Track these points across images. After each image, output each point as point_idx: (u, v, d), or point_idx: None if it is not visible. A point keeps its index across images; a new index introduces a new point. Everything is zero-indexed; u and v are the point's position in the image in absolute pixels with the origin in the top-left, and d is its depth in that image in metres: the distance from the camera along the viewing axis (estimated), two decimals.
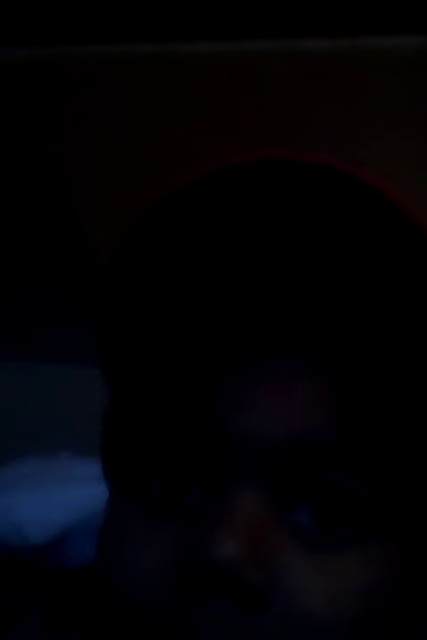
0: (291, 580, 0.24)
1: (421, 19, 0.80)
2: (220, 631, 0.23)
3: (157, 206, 0.25)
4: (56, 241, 1.06)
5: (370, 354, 0.26)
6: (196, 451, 0.26)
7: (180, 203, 0.25)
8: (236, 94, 0.90)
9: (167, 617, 0.24)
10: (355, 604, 0.24)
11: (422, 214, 0.24)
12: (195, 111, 1.08)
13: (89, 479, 0.57)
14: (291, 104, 0.86)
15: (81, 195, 1.11)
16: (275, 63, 0.83)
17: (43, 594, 0.37)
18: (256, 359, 0.26)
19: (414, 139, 0.94)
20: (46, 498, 0.64)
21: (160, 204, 0.25)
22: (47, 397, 0.98)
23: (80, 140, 1.13)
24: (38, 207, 1.07)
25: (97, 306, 0.28)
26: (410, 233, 0.23)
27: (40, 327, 1.01)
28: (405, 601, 0.27)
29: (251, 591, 0.23)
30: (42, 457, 0.73)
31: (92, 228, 1.20)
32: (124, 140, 1.06)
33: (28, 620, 0.33)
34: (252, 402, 0.25)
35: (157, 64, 0.93)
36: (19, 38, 0.97)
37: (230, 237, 0.25)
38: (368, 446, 0.25)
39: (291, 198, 0.24)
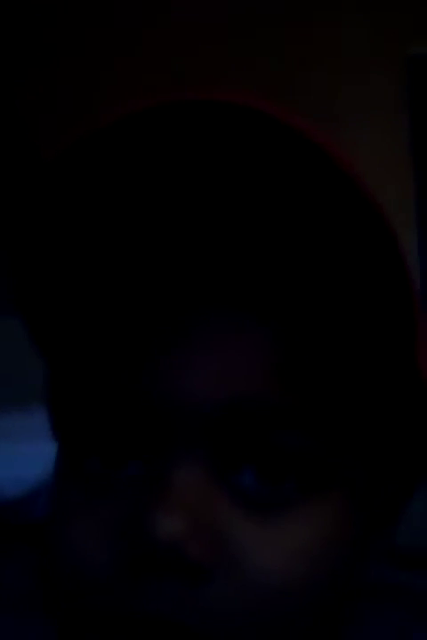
0: (237, 547, 0.23)
1: None
2: (166, 606, 0.23)
3: (78, 155, 0.22)
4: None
5: (305, 308, 0.25)
6: (132, 421, 0.24)
7: (105, 145, 0.22)
8: None
9: (112, 593, 0.23)
10: (304, 563, 0.24)
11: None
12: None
13: None
14: None
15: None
16: None
17: (22, 545, 0.38)
18: (188, 323, 0.25)
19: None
20: (20, 453, 0.64)
21: (81, 151, 0.22)
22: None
23: None
24: None
25: (18, 269, 0.26)
26: (340, 179, 0.21)
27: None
28: (354, 559, 0.26)
29: (195, 565, 0.22)
30: (14, 412, 0.73)
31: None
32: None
33: (9, 569, 0.34)
34: (186, 367, 0.24)
35: None
36: None
37: (157, 189, 0.23)
38: (309, 401, 0.24)
39: (222, 147, 0.22)
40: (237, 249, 0.24)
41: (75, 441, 0.26)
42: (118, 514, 0.24)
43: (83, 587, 0.24)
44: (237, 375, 0.24)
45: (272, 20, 1.58)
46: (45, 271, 0.26)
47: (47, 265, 0.25)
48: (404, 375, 0.25)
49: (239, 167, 0.22)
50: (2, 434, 0.66)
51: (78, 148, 0.22)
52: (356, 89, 1.54)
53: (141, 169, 0.23)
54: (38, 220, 0.24)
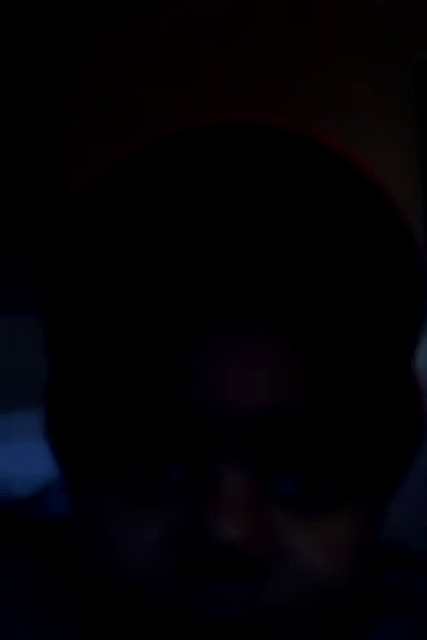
0: (289, 546, 0.24)
1: None
2: (229, 607, 0.23)
3: (117, 169, 0.23)
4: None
5: (337, 318, 0.26)
6: (173, 428, 0.25)
7: (142, 165, 0.23)
8: None
9: (172, 598, 0.24)
10: (346, 559, 0.25)
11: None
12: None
13: None
14: None
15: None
16: None
17: (29, 544, 0.38)
18: (226, 330, 0.25)
19: None
20: (30, 451, 0.64)
21: (120, 167, 0.23)
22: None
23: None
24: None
25: (50, 275, 0.26)
26: (372, 196, 0.23)
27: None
28: (376, 556, 0.28)
29: (258, 566, 0.23)
30: (25, 410, 0.73)
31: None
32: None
33: (16, 567, 0.34)
34: (228, 374, 0.25)
35: None
36: None
37: (193, 204, 0.24)
38: (342, 409, 0.26)
39: (254, 163, 0.23)
40: (278, 263, 0.25)
41: (111, 453, 0.26)
42: (168, 519, 0.24)
43: (139, 595, 0.24)
44: (278, 385, 0.25)
45: (276, 25, 1.58)
46: (78, 283, 0.26)
47: (79, 279, 0.26)
48: (402, 390, 0.28)
49: (267, 178, 0.24)
50: (10, 432, 0.67)
51: (129, 159, 0.23)
52: (363, 95, 1.54)
53: (186, 185, 0.24)
54: (67, 244, 0.25)
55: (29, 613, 0.35)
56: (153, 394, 0.25)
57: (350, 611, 0.26)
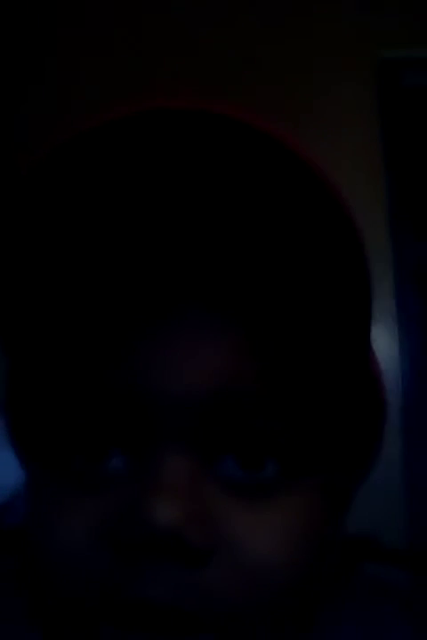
0: (229, 531, 0.24)
1: None
2: (165, 590, 0.23)
3: (55, 153, 0.22)
4: None
5: (277, 301, 0.26)
6: (114, 415, 0.25)
7: (78, 151, 0.22)
8: None
9: (110, 582, 0.23)
10: (291, 543, 0.25)
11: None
12: None
13: None
14: None
15: None
16: None
17: (5, 553, 0.38)
18: (166, 316, 0.25)
19: None
20: (1, 459, 0.63)
21: (58, 151, 0.22)
22: None
23: None
24: None
25: None
26: (305, 176, 0.22)
27: None
28: (327, 543, 0.28)
29: (194, 549, 0.23)
30: None
31: None
32: None
33: None
34: (169, 362, 0.25)
35: None
36: None
37: (132, 191, 0.24)
38: (282, 388, 0.26)
39: (193, 150, 0.22)
40: (218, 250, 0.25)
41: (55, 443, 0.26)
42: (108, 507, 0.24)
43: (78, 581, 0.24)
44: (216, 369, 0.25)
45: (245, 25, 1.59)
46: (22, 269, 0.26)
47: (25, 264, 0.25)
48: (358, 374, 0.28)
49: (216, 172, 0.23)
50: None
51: (63, 146, 0.22)
52: (326, 93, 1.55)
53: (122, 172, 0.23)
54: (16, 225, 0.24)
55: (2, 622, 0.34)
56: (93, 381, 0.25)
57: (296, 599, 0.25)
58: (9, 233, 0.24)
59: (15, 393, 0.31)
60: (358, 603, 0.39)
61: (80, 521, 0.24)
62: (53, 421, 0.26)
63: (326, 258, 0.24)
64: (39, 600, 0.26)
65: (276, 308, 0.26)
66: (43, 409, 0.27)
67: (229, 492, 0.25)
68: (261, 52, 1.58)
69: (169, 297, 0.26)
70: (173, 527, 0.22)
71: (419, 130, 1.57)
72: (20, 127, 1.44)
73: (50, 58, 1.58)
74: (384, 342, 1.42)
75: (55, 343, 0.27)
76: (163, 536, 0.22)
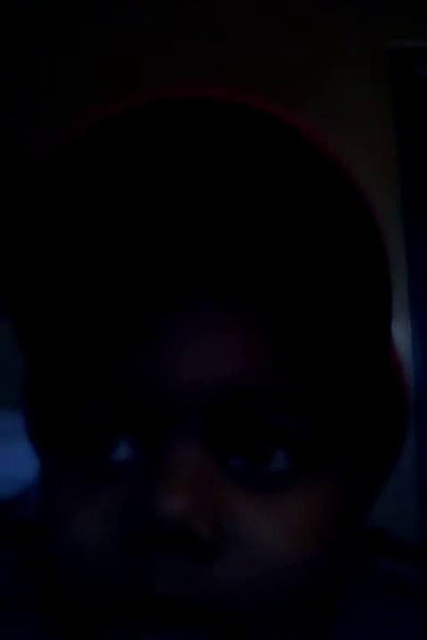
0: (238, 524, 0.24)
1: None
2: (176, 583, 0.23)
3: (64, 151, 0.22)
4: None
5: (292, 294, 0.26)
6: (126, 405, 0.25)
7: (88, 146, 0.22)
8: None
9: (119, 575, 0.23)
10: (301, 537, 0.25)
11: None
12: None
13: None
14: None
15: None
16: None
17: (11, 545, 0.38)
18: (181, 308, 0.25)
19: None
20: (12, 453, 0.64)
21: (66, 150, 0.22)
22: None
23: None
24: None
25: (6, 259, 0.26)
26: (322, 168, 0.22)
27: None
28: (341, 539, 0.27)
29: (201, 542, 0.23)
30: (6, 412, 0.72)
31: None
32: None
33: (3, 571, 0.34)
34: (184, 351, 0.25)
35: None
36: None
37: (144, 181, 0.24)
38: (296, 385, 0.25)
39: (197, 138, 0.22)
40: (232, 240, 0.25)
41: (66, 435, 0.26)
42: (118, 499, 0.24)
43: (88, 575, 0.24)
44: (231, 360, 0.25)
45: (256, 17, 1.58)
46: (34, 263, 0.26)
47: (36, 257, 0.26)
48: (379, 370, 0.28)
49: (231, 161, 0.23)
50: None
51: (74, 141, 0.22)
52: (339, 84, 1.54)
53: (134, 162, 0.23)
54: (27, 219, 0.24)
55: (14, 615, 0.35)
56: (106, 370, 0.25)
57: (310, 595, 0.25)
58: (23, 224, 0.24)
59: (32, 383, 0.31)
60: (370, 598, 0.39)
61: (91, 512, 0.24)
62: (67, 410, 0.26)
63: (342, 246, 0.24)
64: (49, 593, 0.26)
65: (291, 299, 0.26)
66: (56, 398, 0.27)
67: (240, 486, 0.25)
68: (272, 44, 1.57)
69: (183, 287, 0.25)
70: (179, 519, 0.22)
71: None
72: (23, 120, 1.45)
73: (50, 54, 1.59)
74: (397, 336, 1.41)
75: (69, 333, 0.27)
76: (170, 527, 0.22)
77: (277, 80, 1.52)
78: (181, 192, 0.24)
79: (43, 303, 0.27)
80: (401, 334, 1.42)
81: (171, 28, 1.58)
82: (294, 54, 1.56)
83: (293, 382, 0.25)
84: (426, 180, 1.52)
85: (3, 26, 1.56)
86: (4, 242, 0.25)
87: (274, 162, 0.22)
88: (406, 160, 1.52)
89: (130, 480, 0.24)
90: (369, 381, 0.28)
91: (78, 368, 0.26)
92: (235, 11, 1.59)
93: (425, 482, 1.38)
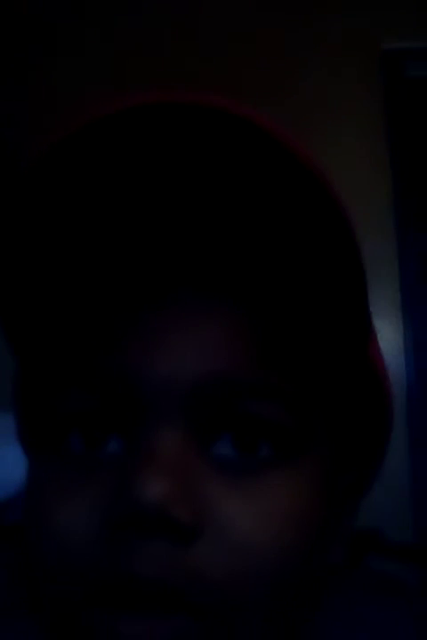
0: (219, 510, 0.24)
1: None
2: (155, 566, 0.23)
3: (53, 152, 0.23)
4: None
5: (268, 282, 0.26)
6: (112, 398, 0.25)
7: (76, 147, 0.23)
8: None
9: (100, 564, 0.24)
10: (281, 524, 0.25)
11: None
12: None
13: None
14: None
15: None
16: None
17: (5, 547, 0.38)
18: (164, 305, 0.26)
19: None
20: (4, 455, 0.63)
21: (56, 151, 0.23)
22: None
23: None
24: None
25: None
26: (289, 163, 0.23)
27: None
28: (323, 532, 0.28)
29: (180, 526, 0.23)
30: (5, 413, 0.72)
31: None
32: None
33: None
34: (164, 344, 0.25)
35: None
36: None
37: (125, 180, 0.24)
38: (278, 375, 0.26)
39: (173, 139, 0.23)
40: (212, 237, 0.26)
41: (53, 424, 0.27)
42: (102, 489, 0.25)
43: (71, 563, 0.24)
44: (210, 352, 0.25)
45: (246, 17, 1.58)
46: (21, 259, 0.26)
47: (23, 253, 0.26)
48: (358, 361, 0.28)
49: (211, 162, 0.23)
50: None
51: (62, 147, 0.23)
52: (330, 85, 1.55)
53: (117, 163, 0.24)
54: (14, 214, 0.25)
55: (8, 617, 0.35)
56: (89, 365, 0.26)
57: (289, 584, 0.25)
58: (11, 221, 0.25)
59: (21, 381, 0.31)
60: (364, 597, 0.39)
61: (75, 504, 0.25)
62: (54, 404, 0.27)
63: (315, 239, 0.25)
64: (36, 587, 0.26)
65: (269, 291, 0.27)
66: (44, 393, 0.28)
67: (222, 472, 0.25)
68: (263, 43, 1.57)
69: (166, 283, 0.26)
70: (159, 502, 0.23)
71: (423, 121, 1.56)
72: (18, 119, 1.44)
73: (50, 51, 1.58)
74: (390, 336, 1.41)
75: (55, 328, 0.28)
76: (149, 511, 0.23)
77: (269, 80, 1.52)
78: (163, 191, 0.25)
79: (29, 299, 0.27)
80: (393, 335, 1.42)
81: (167, 25, 1.58)
82: (287, 54, 1.57)
83: (273, 372, 0.26)
84: (418, 180, 1.53)
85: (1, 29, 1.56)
86: None
87: (248, 162, 0.23)
88: (397, 160, 1.53)
89: (114, 471, 0.25)
90: (348, 372, 0.29)
91: (64, 363, 0.27)
92: (229, 10, 1.59)
93: (419, 481, 1.38)
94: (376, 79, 1.55)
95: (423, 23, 1.53)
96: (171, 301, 0.26)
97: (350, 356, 0.28)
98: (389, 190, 1.51)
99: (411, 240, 1.50)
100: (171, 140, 0.23)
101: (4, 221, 0.24)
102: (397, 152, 1.53)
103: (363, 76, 1.55)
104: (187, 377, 0.25)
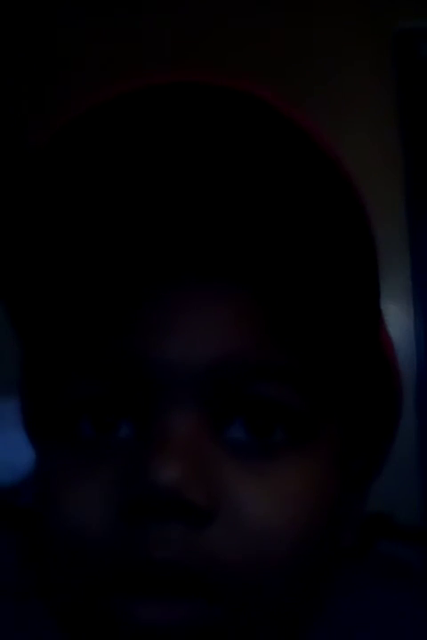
0: (233, 494, 0.24)
1: None
2: (171, 549, 0.23)
3: (58, 137, 0.23)
4: None
5: (280, 264, 0.26)
6: (123, 382, 0.25)
7: (81, 131, 0.23)
8: None
9: (116, 549, 0.24)
10: (295, 507, 0.25)
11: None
12: None
13: None
14: None
15: None
16: None
17: (13, 531, 0.38)
18: (174, 284, 0.26)
19: None
20: (14, 439, 0.64)
21: (60, 136, 0.23)
22: None
23: None
24: None
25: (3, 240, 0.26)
26: (305, 148, 0.22)
27: None
28: (336, 516, 0.28)
29: (196, 508, 0.23)
30: (7, 398, 0.72)
31: None
32: None
33: (6, 558, 0.34)
34: (174, 327, 0.25)
35: None
36: None
37: (135, 165, 0.24)
38: (289, 358, 0.26)
39: (188, 122, 0.23)
40: (219, 217, 0.26)
41: (64, 410, 0.26)
42: (116, 473, 0.24)
43: (85, 549, 0.24)
44: (220, 334, 0.25)
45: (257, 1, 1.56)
46: (27, 244, 0.26)
47: (28, 239, 0.26)
48: (368, 343, 0.28)
49: (221, 143, 0.23)
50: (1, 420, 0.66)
51: (67, 132, 0.22)
52: (343, 66, 1.53)
53: (122, 147, 0.24)
54: (22, 205, 0.24)
55: (16, 602, 0.35)
56: (99, 350, 0.26)
57: (302, 568, 0.25)
58: (17, 207, 0.24)
59: (28, 368, 0.31)
60: (373, 580, 0.39)
61: (88, 488, 0.25)
62: (64, 391, 0.27)
63: (326, 221, 0.24)
64: (47, 574, 0.26)
65: (281, 273, 0.26)
66: (53, 380, 0.27)
67: (236, 456, 0.25)
68: (274, 26, 1.55)
69: (175, 266, 0.26)
70: (173, 485, 0.23)
71: None
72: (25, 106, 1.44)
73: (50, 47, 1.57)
74: (400, 321, 1.40)
75: (62, 314, 0.28)
76: (164, 494, 0.23)
77: (280, 63, 1.50)
78: (170, 175, 0.24)
79: (35, 284, 0.27)
80: (404, 322, 1.42)
81: (167, 25, 1.57)
82: (297, 36, 1.55)
83: (284, 354, 0.26)
84: None
85: (5, 18, 1.55)
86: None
87: (257, 144, 0.23)
88: (409, 142, 1.51)
89: (126, 455, 0.25)
90: (358, 355, 0.29)
91: (73, 348, 0.27)
92: None
93: None
94: (389, 59, 1.53)
95: None
96: (179, 284, 0.26)
97: (360, 339, 0.28)
98: (401, 173, 1.49)
99: (423, 224, 1.49)
100: (179, 121, 0.23)
101: (9, 206, 0.24)
102: (409, 133, 1.51)
103: (376, 56, 1.53)
104: (199, 360, 0.25)
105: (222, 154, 0.23)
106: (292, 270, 0.26)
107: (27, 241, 0.26)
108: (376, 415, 0.31)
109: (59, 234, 0.26)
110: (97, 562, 0.24)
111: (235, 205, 0.25)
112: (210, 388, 0.25)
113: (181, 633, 0.23)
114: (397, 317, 1.39)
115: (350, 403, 0.29)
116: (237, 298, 0.26)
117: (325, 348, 0.27)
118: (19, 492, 0.61)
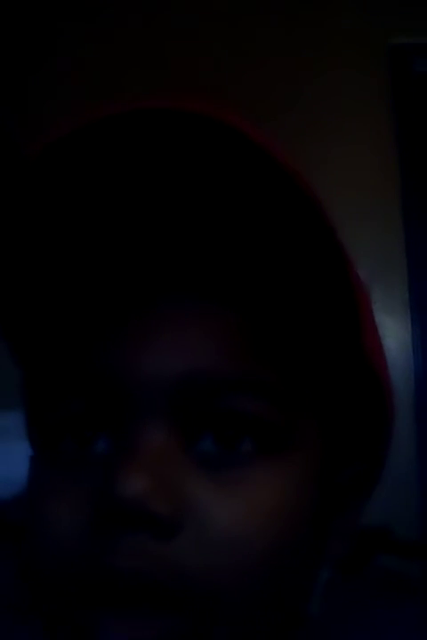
0: (200, 505, 0.25)
1: None
2: (137, 560, 0.24)
3: (37, 160, 0.24)
4: None
5: (256, 285, 0.27)
6: (99, 399, 0.26)
7: (66, 149, 0.23)
8: None
9: (85, 559, 0.24)
10: (264, 519, 0.25)
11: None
12: None
13: None
14: None
15: None
16: None
17: (11, 545, 0.38)
18: (149, 305, 0.27)
19: None
20: (11, 453, 0.64)
21: (40, 159, 0.24)
22: None
23: None
24: None
25: None
26: (274, 170, 0.23)
27: None
28: (312, 529, 0.28)
29: (160, 520, 0.24)
30: (5, 412, 0.72)
31: None
32: None
33: (5, 572, 0.34)
34: (148, 345, 0.26)
35: None
36: None
37: (117, 184, 0.25)
38: (259, 369, 0.26)
39: (168, 145, 0.24)
40: (193, 239, 0.26)
41: (47, 425, 0.27)
42: (89, 486, 0.25)
43: (61, 563, 0.25)
44: (193, 350, 0.26)
45: (254, 13, 1.58)
46: (11, 262, 0.27)
47: (15, 256, 0.27)
48: (351, 357, 0.28)
49: (196, 168, 0.24)
50: (5, 433, 0.66)
51: (53, 149, 0.23)
52: (338, 80, 1.54)
53: (106, 168, 0.25)
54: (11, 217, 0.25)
55: (13, 616, 0.35)
56: (78, 370, 0.27)
57: (272, 581, 0.25)
58: (6, 222, 0.25)
59: (24, 383, 0.32)
60: (370, 594, 0.39)
61: (68, 503, 0.26)
62: (48, 407, 0.28)
63: (298, 243, 0.25)
64: (33, 586, 0.27)
65: (255, 290, 0.27)
66: (39, 396, 0.28)
67: (205, 468, 0.25)
68: (270, 40, 1.57)
69: (150, 286, 0.27)
70: (138, 497, 0.23)
71: None
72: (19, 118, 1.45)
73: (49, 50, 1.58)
74: (397, 331, 1.41)
75: (46, 333, 0.28)
76: (129, 505, 0.23)
77: (276, 76, 1.51)
78: (147, 196, 0.25)
79: (21, 302, 0.28)
80: (401, 331, 1.42)
81: (165, 25, 1.58)
82: (293, 50, 1.56)
83: (257, 368, 0.26)
84: (426, 176, 1.52)
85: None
86: None
87: (236, 168, 0.24)
88: (405, 156, 1.52)
89: (102, 469, 0.25)
90: (340, 367, 0.29)
91: (56, 367, 0.28)
92: (232, 6, 1.58)
93: (426, 479, 1.38)
94: (384, 74, 1.54)
95: None
96: (154, 305, 0.27)
97: (341, 351, 0.28)
98: (397, 186, 1.50)
99: (419, 235, 1.49)
100: (161, 147, 0.24)
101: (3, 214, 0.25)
102: (405, 147, 1.52)
103: (370, 70, 1.54)
104: (169, 374, 0.25)
105: (189, 176, 0.24)
106: (265, 287, 0.27)
107: (12, 256, 0.27)
108: (367, 426, 0.31)
109: (41, 251, 0.27)
110: (71, 574, 0.25)
111: (213, 230, 0.26)
112: (180, 402, 0.26)
113: None
114: (394, 328, 1.39)
115: (334, 414, 0.29)
116: (212, 315, 0.27)
117: (303, 360, 0.28)
118: (14, 506, 0.61)
